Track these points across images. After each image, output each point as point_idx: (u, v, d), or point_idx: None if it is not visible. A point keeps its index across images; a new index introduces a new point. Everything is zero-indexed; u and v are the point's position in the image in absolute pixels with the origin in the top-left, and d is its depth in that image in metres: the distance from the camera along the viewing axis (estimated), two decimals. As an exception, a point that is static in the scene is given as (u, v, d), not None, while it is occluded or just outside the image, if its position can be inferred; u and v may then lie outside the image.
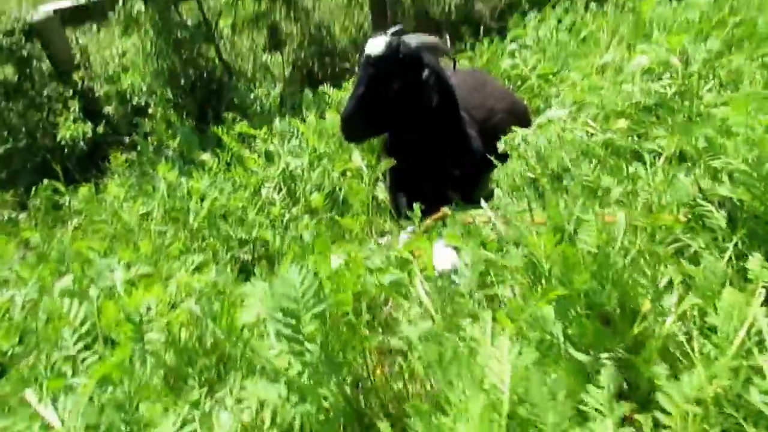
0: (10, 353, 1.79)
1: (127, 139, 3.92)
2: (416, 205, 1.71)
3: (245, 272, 2.08)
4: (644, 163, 1.84)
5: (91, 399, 1.06)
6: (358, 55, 2.17)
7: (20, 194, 3.67)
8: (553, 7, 4.96)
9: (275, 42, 4.50)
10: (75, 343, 1.42)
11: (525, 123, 2.56)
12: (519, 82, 3.58)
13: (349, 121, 2.01)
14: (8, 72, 3.70)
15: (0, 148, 3.67)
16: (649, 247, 1.41)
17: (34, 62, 3.77)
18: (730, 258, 1.34)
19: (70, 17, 3.78)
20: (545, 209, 1.72)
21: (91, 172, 3.78)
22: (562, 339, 1.12)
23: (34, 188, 3.39)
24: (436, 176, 2.19)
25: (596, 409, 0.87)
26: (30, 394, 0.98)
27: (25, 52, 3.56)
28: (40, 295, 2.00)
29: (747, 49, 2.62)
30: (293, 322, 1.01)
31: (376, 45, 2.04)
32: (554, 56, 3.57)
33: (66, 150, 3.63)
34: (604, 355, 1.19)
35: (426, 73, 2.07)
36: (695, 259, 1.38)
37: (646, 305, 1.26)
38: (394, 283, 1.16)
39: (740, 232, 1.35)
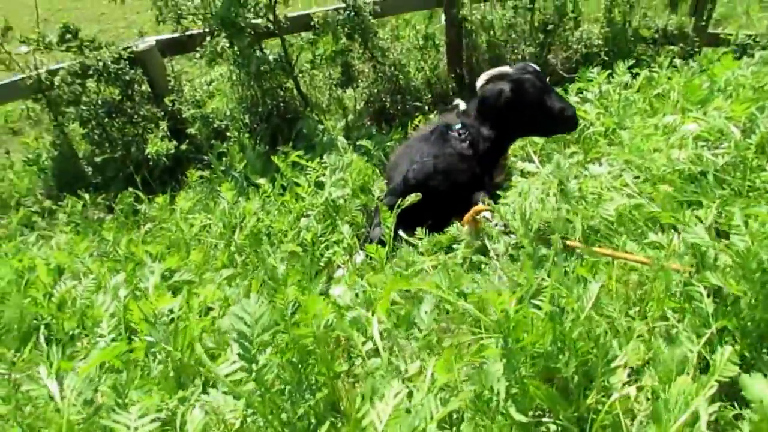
0: (71, 333, 2.10)
1: (206, 158, 4.31)
2: None
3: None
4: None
5: (92, 381, 1.27)
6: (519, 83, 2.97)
7: (110, 198, 4.14)
8: (635, 62, 4.91)
9: (348, 78, 4.79)
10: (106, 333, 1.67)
11: None
12: (576, 135, 3.59)
13: None
14: (113, 92, 4.22)
15: (99, 158, 4.18)
16: (625, 322, 1.44)
17: (136, 86, 4.27)
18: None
19: (169, 47, 4.28)
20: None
21: (171, 185, 4.22)
22: (503, 396, 1.19)
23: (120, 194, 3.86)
24: None
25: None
26: (42, 370, 1.20)
27: (128, 77, 4.06)
28: (97, 287, 2.32)
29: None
30: (247, 345, 1.17)
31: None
32: (617, 112, 3.55)
33: (151, 163, 4.06)
34: (546, 419, 1.24)
35: None
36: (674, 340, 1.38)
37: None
38: (354, 320, 1.29)
39: (721, 322, 1.33)
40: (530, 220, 1.68)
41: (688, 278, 1.47)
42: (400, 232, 2.37)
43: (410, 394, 1.15)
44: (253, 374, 1.11)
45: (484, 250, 2.16)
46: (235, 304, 2.06)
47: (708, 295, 1.41)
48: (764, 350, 1.30)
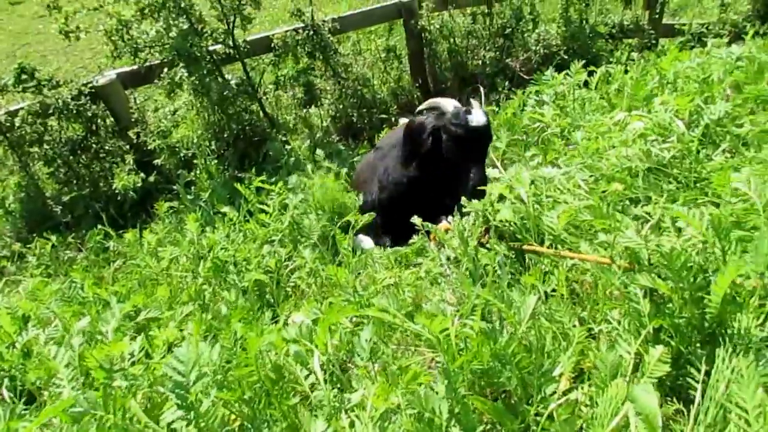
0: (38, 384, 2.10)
1: (175, 188, 4.31)
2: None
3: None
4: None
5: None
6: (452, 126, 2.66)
7: (80, 236, 4.12)
8: (593, 58, 5.01)
9: (311, 97, 4.82)
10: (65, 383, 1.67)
11: None
12: (536, 137, 3.65)
13: None
14: (77, 129, 4.22)
15: (67, 196, 4.17)
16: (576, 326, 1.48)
17: (99, 121, 4.27)
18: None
19: (130, 80, 4.28)
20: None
21: (142, 217, 4.21)
22: (445, 416, 1.21)
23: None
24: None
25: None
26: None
27: (90, 113, 4.06)
28: (62, 335, 2.32)
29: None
30: (183, 393, 1.18)
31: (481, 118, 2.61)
32: (572, 112, 3.62)
33: (119, 198, 4.06)
34: (492, 434, 1.27)
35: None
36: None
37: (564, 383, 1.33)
38: (296, 354, 1.32)
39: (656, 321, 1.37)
40: (470, 234, 1.71)
41: (625, 280, 1.51)
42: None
43: (352, 424, 1.17)
44: (194, 421, 1.13)
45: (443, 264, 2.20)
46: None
47: (645, 295, 1.46)
48: (698, 345, 1.34)
